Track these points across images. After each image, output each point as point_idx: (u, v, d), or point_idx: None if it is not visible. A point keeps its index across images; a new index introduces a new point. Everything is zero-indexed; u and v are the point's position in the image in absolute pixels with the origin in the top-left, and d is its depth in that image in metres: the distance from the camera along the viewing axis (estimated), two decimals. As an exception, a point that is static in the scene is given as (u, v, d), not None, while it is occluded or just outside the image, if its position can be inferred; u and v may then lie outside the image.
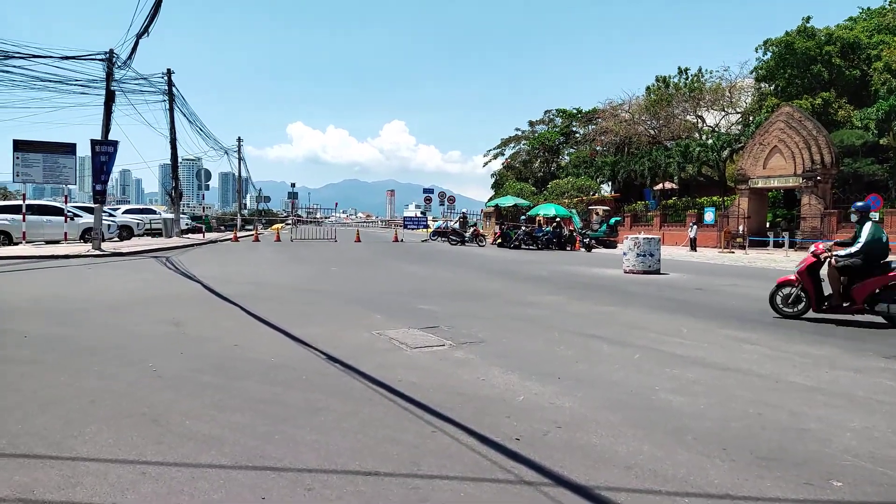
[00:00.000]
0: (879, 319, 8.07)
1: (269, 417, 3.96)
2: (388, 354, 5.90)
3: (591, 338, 6.91)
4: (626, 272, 15.94)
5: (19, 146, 22.33)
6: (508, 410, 4.18)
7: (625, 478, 3.12)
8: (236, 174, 53.02)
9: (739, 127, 40.46)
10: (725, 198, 34.59)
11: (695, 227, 29.27)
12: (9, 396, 4.32)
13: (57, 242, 22.73)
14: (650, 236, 16.62)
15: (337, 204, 61.77)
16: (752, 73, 38.74)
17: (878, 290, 7.90)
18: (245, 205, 62.46)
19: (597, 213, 35.44)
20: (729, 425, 3.98)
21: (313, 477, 3.04)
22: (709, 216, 31.83)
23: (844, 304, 8.15)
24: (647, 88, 44.64)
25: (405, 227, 44.31)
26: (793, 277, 8.55)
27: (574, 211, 35.72)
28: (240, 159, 50.83)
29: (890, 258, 8.13)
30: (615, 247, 29.43)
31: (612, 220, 33.35)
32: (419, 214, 51.02)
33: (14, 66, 18.80)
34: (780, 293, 8.69)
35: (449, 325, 7.48)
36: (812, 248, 8.64)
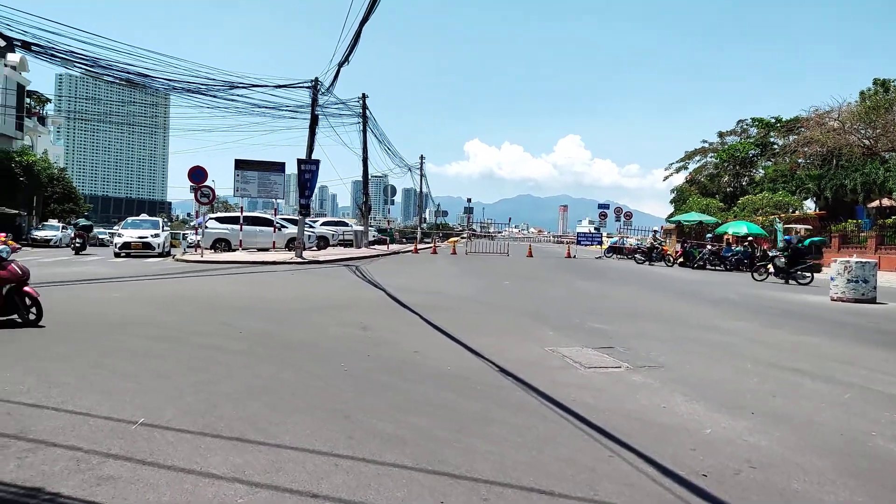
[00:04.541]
0: None
1: (446, 423, 4.11)
2: (562, 372, 5.82)
3: (789, 371, 6.21)
4: (833, 299, 14.14)
5: (239, 165, 25.79)
6: (693, 443, 3.90)
7: (834, 533, 2.75)
8: (418, 190, 56.07)
9: (978, 136, 33.88)
10: (961, 218, 29.18)
11: (924, 250, 25.02)
12: (227, 383, 4.97)
13: (266, 250, 25.74)
14: (864, 260, 14.60)
15: (510, 219, 62.46)
16: None
17: None
18: (425, 219, 65.85)
19: (797, 233, 31.82)
20: (970, 487, 3.34)
21: (489, 488, 3.09)
22: (940, 239, 27.06)
23: None
24: (861, 94, 39.25)
25: (578, 243, 43.46)
26: None
27: (779, 227, 32.32)
28: (421, 175, 53.70)
29: None
30: (819, 270, 26.16)
31: (816, 241, 29.70)
32: (593, 230, 49.75)
33: (237, 95, 21.73)
34: None
35: (625, 346, 7.19)
36: None
